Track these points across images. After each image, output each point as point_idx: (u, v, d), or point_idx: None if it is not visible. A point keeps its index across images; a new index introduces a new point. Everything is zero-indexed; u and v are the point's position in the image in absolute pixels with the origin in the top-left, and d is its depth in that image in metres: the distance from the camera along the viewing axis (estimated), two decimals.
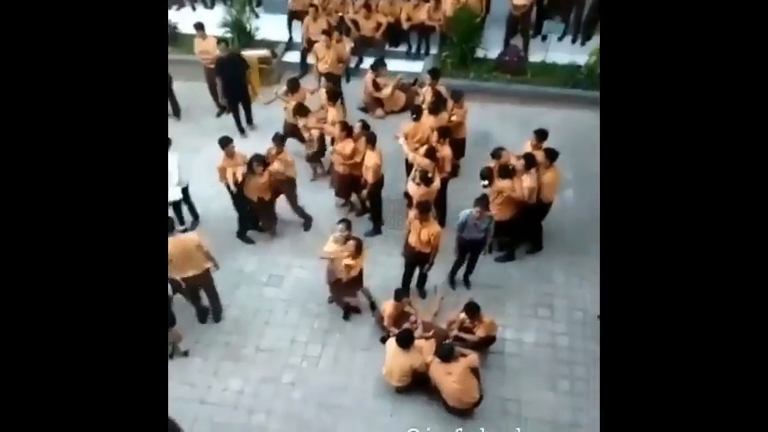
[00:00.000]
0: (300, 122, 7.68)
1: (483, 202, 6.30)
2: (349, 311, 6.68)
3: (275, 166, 6.95)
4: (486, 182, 6.65)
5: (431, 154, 6.82)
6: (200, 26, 8.77)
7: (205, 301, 6.59)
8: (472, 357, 5.68)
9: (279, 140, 7.10)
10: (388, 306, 6.13)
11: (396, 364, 5.75)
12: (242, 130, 9.02)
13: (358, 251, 6.08)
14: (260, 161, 6.82)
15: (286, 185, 7.30)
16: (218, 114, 9.42)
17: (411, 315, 6.26)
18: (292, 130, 8.02)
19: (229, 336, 6.57)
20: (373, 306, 6.67)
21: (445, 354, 5.54)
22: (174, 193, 7.07)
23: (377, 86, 9.21)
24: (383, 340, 6.22)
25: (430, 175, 6.66)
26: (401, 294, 6.08)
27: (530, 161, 6.61)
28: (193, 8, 11.31)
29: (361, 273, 6.36)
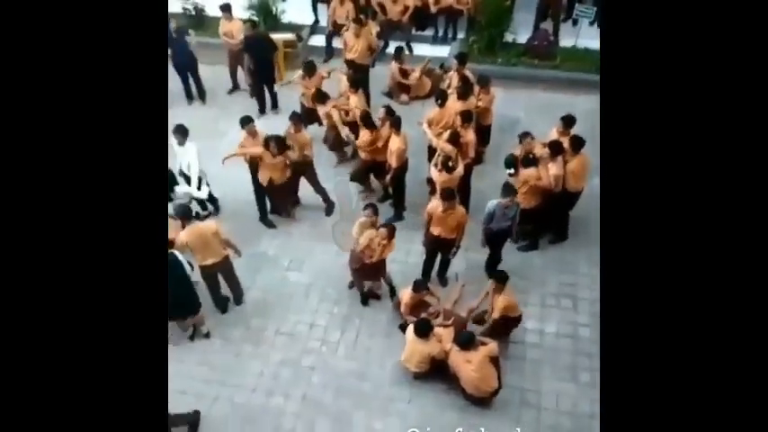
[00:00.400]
0: (320, 110, 7.65)
1: (510, 191, 6.18)
2: (367, 297, 6.67)
3: (290, 153, 6.91)
4: (512, 170, 6.54)
5: (454, 139, 6.73)
6: (226, 7, 8.78)
7: (225, 289, 6.62)
8: (492, 346, 5.62)
9: (296, 119, 7.04)
10: (405, 295, 6.09)
11: (414, 351, 5.73)
12: (263, 110, 9.05)
13: (391, 235, 6.07)
14: (278, 142, 6.75)
15: (305, 167, 7.27)
16: (230, 92, 9.51)
17: (430, 305, 6.21)
18: (310, 115, 8.00)
19: (251, 318, 6.62)
20: (393, 292, 6.65)
21: (465, 341, 5.49)
22: (194, 187, 7.07)
23: (403, 73, 9.11)
24: (402, 327, 6.20)
25: (452, 162, 6.57)
26: (420, 285, 6.02)
27: (556, 149, 6.47)
28: None
29: (384, 260, 6.34)
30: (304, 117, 7.92)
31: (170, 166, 6.86)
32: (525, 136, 6.82)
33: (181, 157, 7.01)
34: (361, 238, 6.13)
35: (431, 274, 6.73)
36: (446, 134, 6.88)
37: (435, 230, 6.31)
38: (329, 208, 7.65)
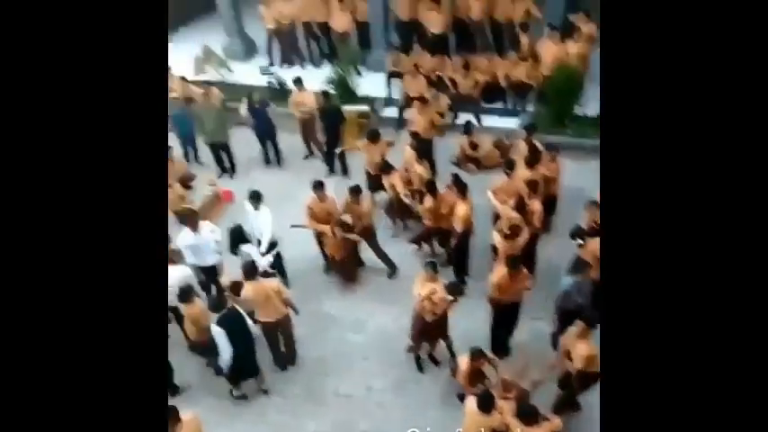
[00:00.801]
0: (385, 180, 7.92)
1: (583, 266, 6.03)
2: (422, 362, 6.59)
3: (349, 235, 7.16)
4: (580, 240, 6.40)
5: (520, 207, 6.72)
6: (298, 81, 9.48)
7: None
8: (556, 422, 5.33)
9: (354, 192, 7.23)
10: (463, 363, 5.92)
11: (474, 424, 5.50)
12: (332, 170, 9.53)
13: (455, 291, 6.10)
14: (342, 226, 7.09)
15: (366, 234, 7.44)
16: (305, 157, 10.05)
17: (487, 377, 6.00)
18: (375, 182, 8.29)
19: (311, 377, 6.66)
20: (453, 357, 6.52)
21: (528, 415, 5.23)
22: (258, 254, 7.13)
23: (473, 146, 9.29)
24: (459, 397, 6.01)
25: (516, 230, 6.53)
26: (478, 353, 5.85)
27: None
28: (302, 66, 12.14)
29: (446, 320, 6.28)
30: (369, 184, 8.20)
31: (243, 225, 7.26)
32: (592, 205, 6.71)
33: (254, 220, 7.27)
34: (422, 290, 6.12)
35: (501, 341, 6.58)
36: (511, 201, 6.88)
37: (502, 297, 6.21)
38: (391, 270, 7.73)
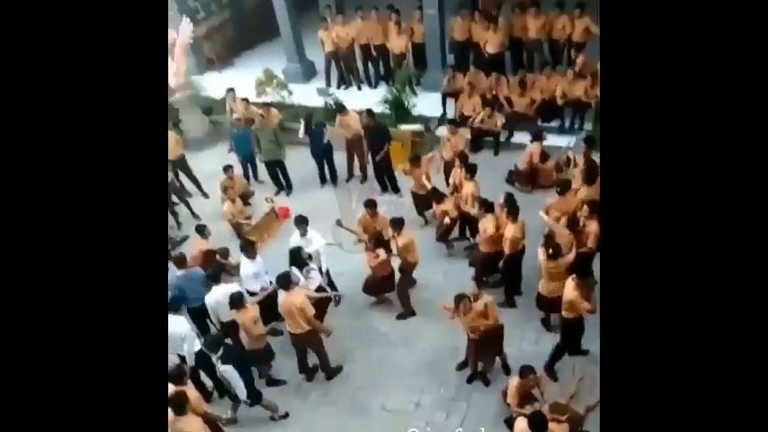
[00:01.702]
0: (437, 209, 7.93)
1: None
2: (475, 375, 6.50)
3: (381, 256, 7.07)
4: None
5: (572, 224, 6.55)
6: (341, 107, 9.74)
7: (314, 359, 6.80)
8: None
9: (396, 225, 7.07)
10: (513, 382, 5.79)
11: None
12: (384, 188, 9.65)
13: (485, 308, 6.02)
14: (380, 244, 7.06)
15: (404, 270, 7.32)
16: (347, 180, 10.17)
17: (537, 399, 5.82)
18: (422, 202, 8.33)
19: (358, 391, 6.68)
20: (508, 372, 6.46)
21: None
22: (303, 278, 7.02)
23: (543, 157, 9.15)
24: (507, 422, 5.86)
25: (558, 248, 6.39)
26: (528, 371, 5.71)
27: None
28: (359, 88, 12.41)
29: (501, 337, 6.22)
30: (417, 205, 8.25)
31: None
32: None
33: (306, 246, 7.22)
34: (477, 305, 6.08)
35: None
36: (564, 219, 6.73)
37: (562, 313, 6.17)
38: (405, 313, 7.51)
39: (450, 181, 8.29)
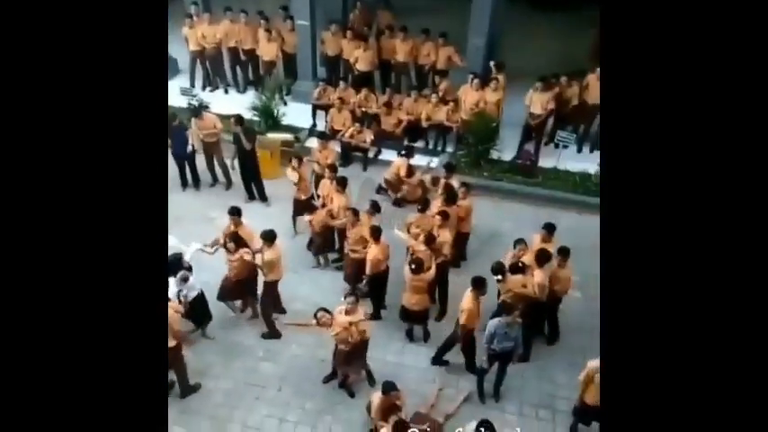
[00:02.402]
0: (307, 217, 7.92)
1: (509, 308, 6.16)
2: (347, 382, 6.55)
3: (242, 254, 6.80)
4: (500, 276, 6.63)
5: (429, 241, 6.89)
6: (200, 106, 9.45)
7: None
8: None
9: (267, 237, 6.79)
10: (375, 398, 5.87)
11: None
12: (251, 196, 9.45)
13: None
14: (234, 240, 6.76)
15: (266, 285, 7.11)
16: (211, 185, 9.86)
17: (401, 409, 5.97)
18: (299, 209, 8.39)
19: (217, 408, 6.35)
20: (371, 380, 6.58)
21: None
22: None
23: (410, 172, 9.42)
24: None
25: (423, 263, 6.67)
26: (390, 387, 5.83)
27: (543, 257, 6.60)
28: (226, 91, 11.98)
29: (366, 344, 6.28)
30: (295, 212, 8.29)
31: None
32: (519, 242, 7.04)
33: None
34: (341, 320, 6.10)
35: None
36: (422, 237, 7.05)
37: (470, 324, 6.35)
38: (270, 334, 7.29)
39: (320, 193, 8.29)
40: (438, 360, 6.92)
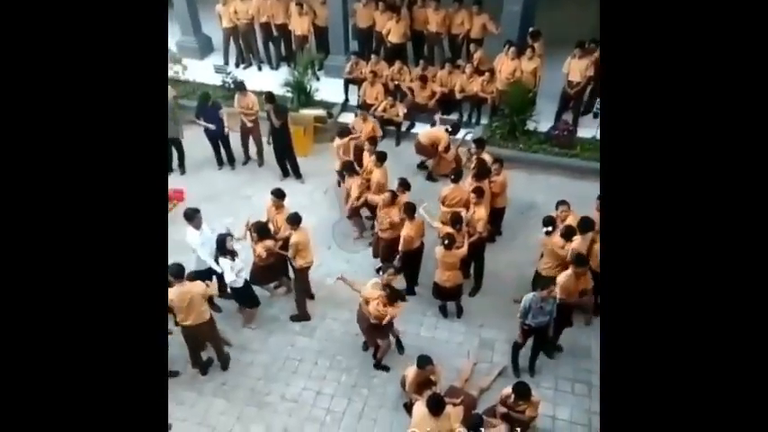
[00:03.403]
0: (348, 182, 7.90)
1: (546, 284, 6.07)
2: (377, 350, 6.62)
3: (268, 243, 6.83)
4: (550, 228, 6.66)
5: (456, 220, 6.81)
6: (241, 84, 9.38)
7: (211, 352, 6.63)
8: (501, 429, 5.42)
9: (293, 221, 6.72)
10: (410, 372, 5.93)
11: (422, 428, 5.51)
12: (285, 173, 9.49)
13: (391, 300, 6.06)
14: (258, 230, 6.77)
15: (295, 271, 7.08)
16: (244, 163, 9.88)
17: (435, 384, 6.02)
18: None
19: (257, 381, 6.53)
20: (400, 349, 6.71)
21: (474, 425, 5.30)
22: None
23: (447, 147, 9.24)
24: (406, 407, 6.02)
25: (451, 237, 6.62)
26: (424, 361, 5.87)
27: (585, 225, 6.54)
28: (259, 68, 12.01)
29: (391, 321, 6.31)
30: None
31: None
32: (562, 204, 7.01)
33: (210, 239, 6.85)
34: (365, 293, 6.18)
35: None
36: (448, 217, 7.04)
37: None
38: (299, 316, 7.34)
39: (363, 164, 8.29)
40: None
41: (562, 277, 6.18)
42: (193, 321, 6.08)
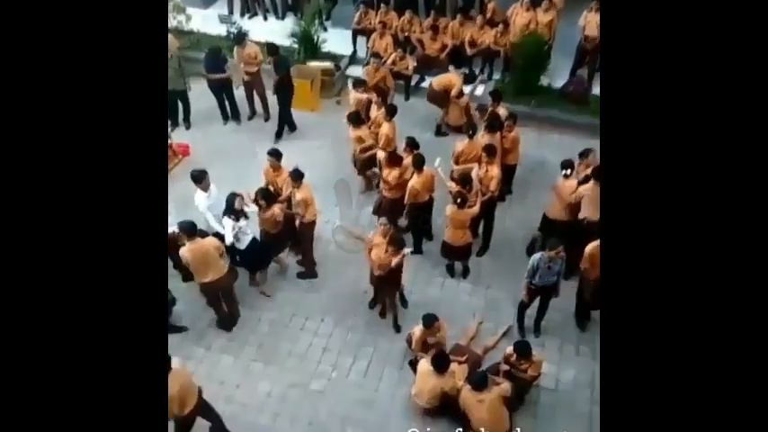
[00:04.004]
0: (352, 132, 7.72)
1: (555, 244, 5.93)
2: (384, 308, 6.69)
3: (276, 210, 6.60)
4: (568, 171, 6.66)
5: (465, 182, 6.70)
6: (244, 35, 9.10)
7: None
8: (505, 386, 5.47)
9: (296, 176, 6.63)
10: (417, 331, 5.95)
11: (427, 385, 5.61)
12: (292, 129, 9.30)
13: (392, 244, 6.07)
14: (265, 197, 6.51)
15: (302, 227, 6.92)
16: (249, 118, 9.69)
17: (441, 342, 6.04)
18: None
19: (264, 337, 6.61)
20: (404, 302, 6.80)
21: (478, 382, 5.35)
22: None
23: (460, 93, 9.01)
24: (411, 364, 6.08)
25: (463, 195, 6.55)
26: (430, 320, 5.88)
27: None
28: (265, 18, 11.68)
29: (399, 273, 6.32)
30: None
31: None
32: (589, 152, 6.96)
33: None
34: (366, 237, 6.26)
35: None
36: (457, 176, 6.98)
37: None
38: (306, 273, 7.29)
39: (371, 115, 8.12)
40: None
41: (590, 248, 6.03)
42: (213, 277, 6.09)
